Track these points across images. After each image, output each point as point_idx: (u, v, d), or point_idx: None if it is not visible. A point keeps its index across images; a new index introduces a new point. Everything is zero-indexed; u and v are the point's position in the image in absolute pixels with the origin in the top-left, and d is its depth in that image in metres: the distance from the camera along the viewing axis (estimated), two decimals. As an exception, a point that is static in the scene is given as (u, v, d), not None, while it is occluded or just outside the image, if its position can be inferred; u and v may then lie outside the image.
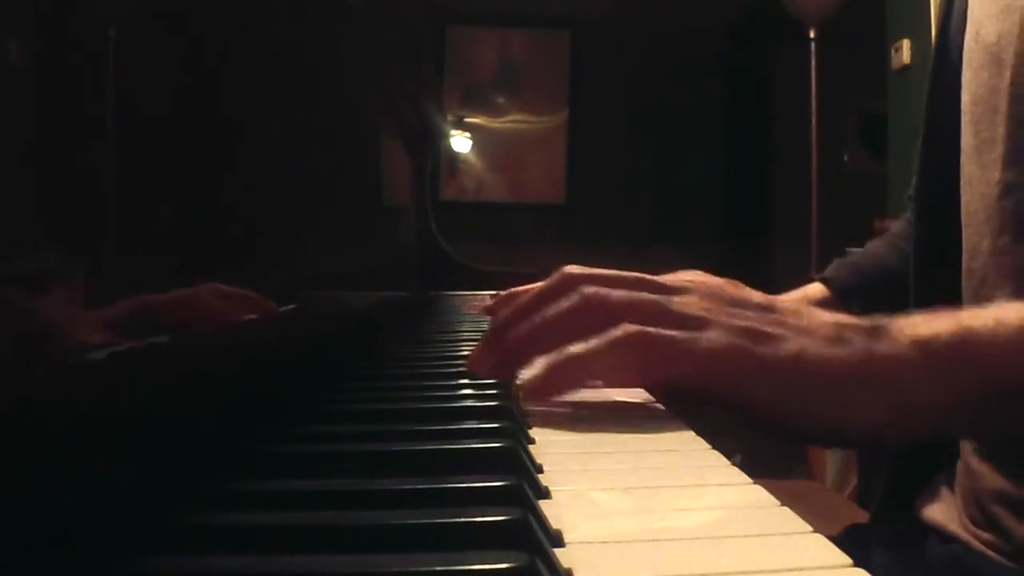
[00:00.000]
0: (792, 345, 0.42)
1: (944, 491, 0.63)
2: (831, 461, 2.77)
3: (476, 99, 4.63)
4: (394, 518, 0.27)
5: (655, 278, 0.48)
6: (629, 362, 0.44)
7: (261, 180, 0.54)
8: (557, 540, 0.27)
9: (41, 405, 0.26)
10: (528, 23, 4.64)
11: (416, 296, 1.15)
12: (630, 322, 0.44)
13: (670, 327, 0.43)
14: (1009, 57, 0.54)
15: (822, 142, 3.02)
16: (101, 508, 0.27)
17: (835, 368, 0.41)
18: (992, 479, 0.56)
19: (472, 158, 4.66)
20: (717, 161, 4.72)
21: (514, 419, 0.42)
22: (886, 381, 0.41)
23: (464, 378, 0.55)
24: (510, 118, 4.68)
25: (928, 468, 0.65)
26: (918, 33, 2.59)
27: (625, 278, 0.48)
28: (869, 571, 0.24)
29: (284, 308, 0.54)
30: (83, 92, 0.32)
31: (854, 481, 2.60)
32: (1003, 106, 0.55)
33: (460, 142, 4.59)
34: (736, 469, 0.36)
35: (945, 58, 0.65)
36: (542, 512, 0.29)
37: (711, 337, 0.42)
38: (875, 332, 0.42)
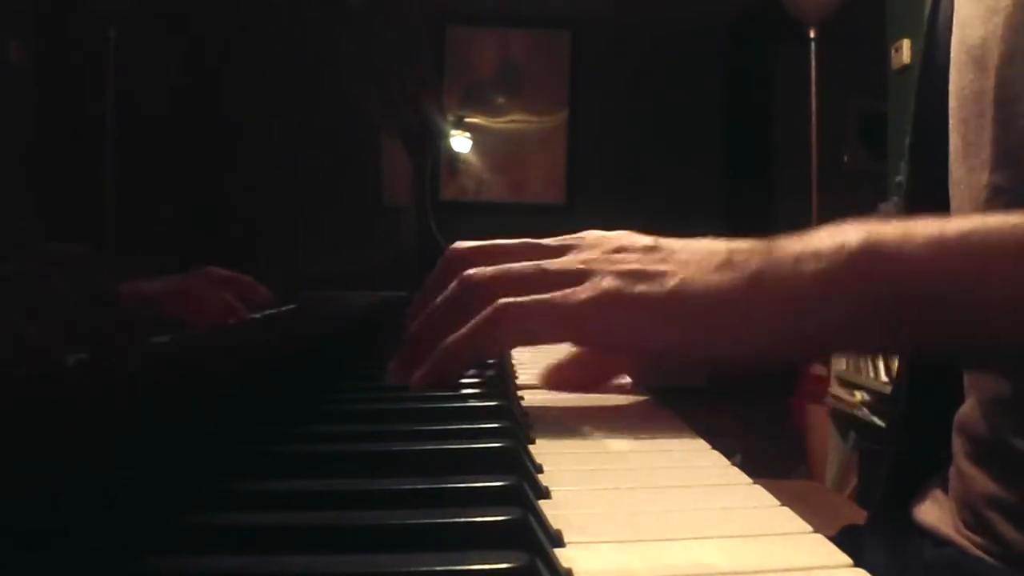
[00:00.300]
0: (674, 279, 0.41)
1: (939, 494, 0.63)
2: (831, 461, 2.77)
3: (476, 99, 4.63)
4: (394, 518, 0.27)
5: (541, 240, 0.48)
6: (505, 336, 0.45)
7: (261, 180, 0.54)
8: (557, 540, 0.27)
9: (41, 405, 0.26)
10: (528, 23, 4.64)
11: (416, 296, 1.15)
12: (506, 294, 0.44)
13: (546, 289, 0.43)
14: (994, 59, 0.54)
15: (822, 142, 3.02)
16: (101, 508, 0.27)
17: (721, 294, 0.40)
18: (983, 483, 0.56)
19: (472, 158, 4.66)
20: (717, 161, 4.73)
21: (514, 419, 0.42)
22: (779, 299, 0.40)
23: (464, 378, 0.55)
24: (510, 118, 4.68)
25: (927, 470, 0.65)
26: (918, 33, 2.58)
27: (507, 247, 0.48)
28: (865, 569, 0.24)
29: (284, 308, 0.54)
30: (83, 92, 0.32)
31: (854, 481, 2.61)
32: (989, 109, 0.55)
33: (460, 142, 4.59)
34: (736, 469, 0.36)
35: (932, 59, 0.64)
36: (542, 512, 0.29)
37: (584, 289, 0.42)
38: (768, 251, 0.41)
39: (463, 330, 0.45)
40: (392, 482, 0.31)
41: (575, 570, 0.25)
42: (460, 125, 4.57)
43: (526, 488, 0.30)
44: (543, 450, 0.39)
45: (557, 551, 0.26)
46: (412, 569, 0.24)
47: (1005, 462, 0.55)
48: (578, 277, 0.44)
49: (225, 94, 0.48)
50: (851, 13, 2.94)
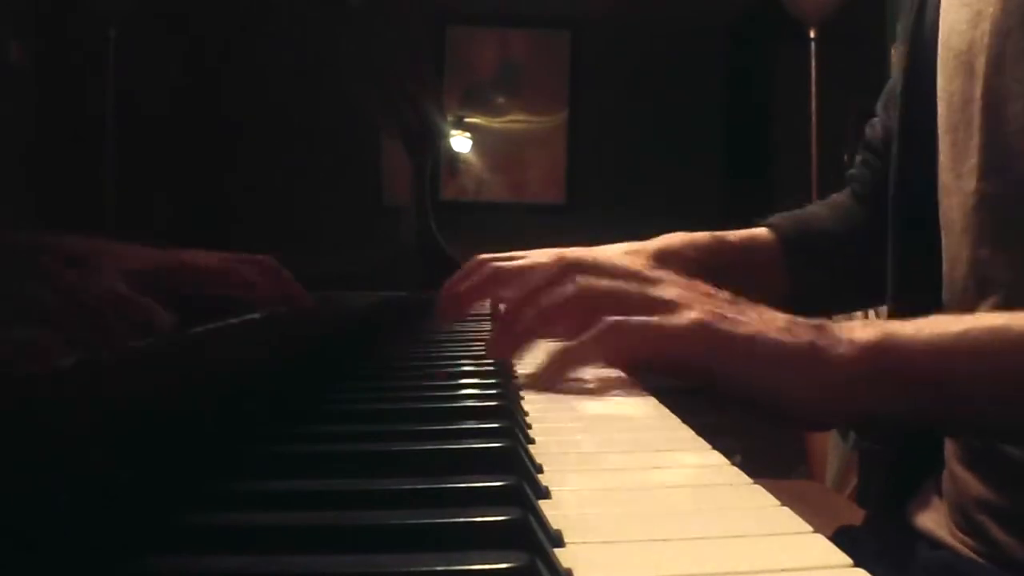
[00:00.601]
0: (751, 328, 0.48)
1: (933, 497, 0.63)
2: (831, 461, 2.77)
3: (476, 99, 4.63)
4: (394, 518, 0.27)
5: (639, 269, 0.56)
6: (614, 348, 0.51)
7: (261, 180, 0.54)
8: (557, 540, 0.27)
9: (41, 405, 0.26)
10: (528, 23, 4.64)
11: (416, 296, 1.15)
12: (615, 311, 0.50)
13: (649, 312, 0.50)
14: (981, 66, 0.55)
15: (822, 142, 3.02)
16: (101, 508, 0.27)
17: (783, 352, 0.48)
18: (975, 487, 0.57)
19: (472, 158, 4.66)
20: (717, 161, 4.72)
21: (514, 419, 0.42)
22: (821, 371, 0.47)
23: (464, 378, 0.55)
24: (510, 118, 4.68)
25: (922, 473, 0.65)
26: (918, 33, 2.58)
27: (614, 268, 0.55)
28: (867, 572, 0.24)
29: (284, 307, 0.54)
30: (83, 92, 0.32)
31: (854, 481, 2.60)
32: (977, 117, 0.56)
33: (460, 142, 4.59)
34: (736, 469, 0.36)
35: (917, 66, 0.65)
36: (542, 512, 0.29)
37: (683, 318, 0.49)
38: (819, 329, 0.48)
39: (584, 338, 0.51)
40: (392, 482, 0.31)
41: (575, 570, 0.25)
42: (460, 125, 4.56)
43: (526, 488, 0.30)
44: (543, 450, 0.39)
45: (557, 551, 0.26)
46: (412, 569, 0.24)
47: (995, 466, 0.55)
48: (673, 307, 0.50)
49: (225, 94, 0.48)
50: (851, 13, 2.94)
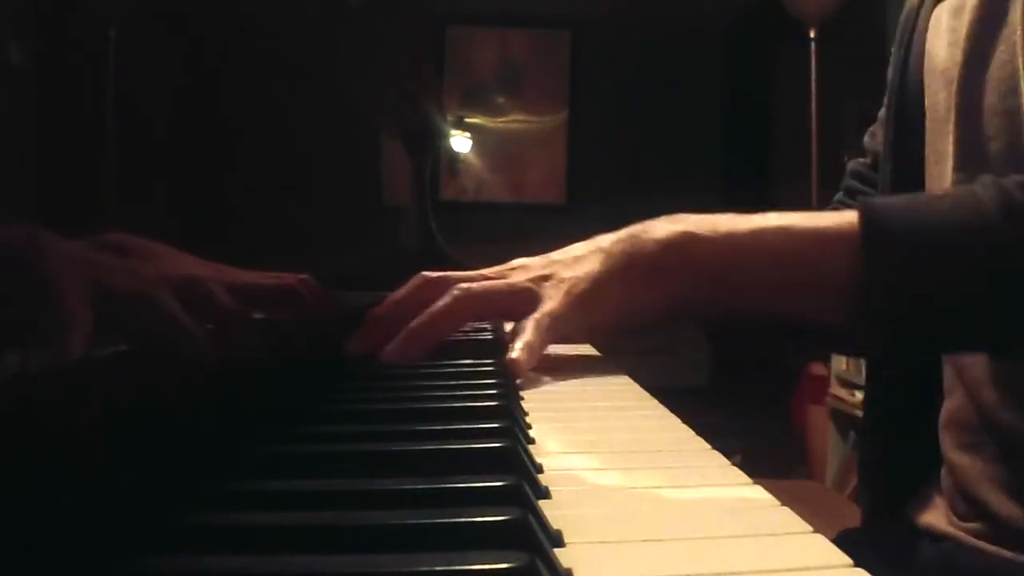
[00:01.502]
0: (587, 278, 0.57)
1: (933, 495, 0.65)
2: (831, 461, 2.77)
3: (476, 99, 4.63)
4: (394, 518, 0.27)
5: (480, 272, 0.64)
6: (461, 311, 0.60)
7: (261, 180, 0.54)
8: (557, 540, 0.27)
9: (41, 405, 0.26)
10: (528, 23, 4.64)
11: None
12: (492, 304, 0.61)
13: (515, 301, 0.59)
14: (955, 82, 0.63)
15: (822, 142, 3.02)
16: (101, 508, 0.27)
17: (610, 274, 0.56)
18: (977, 469, 0.59)
19: (472, 158, 4.66)
20: (717, 161, 4.72)
21: (514, 419, 0.42)
22: (644, 275, 0.55)
23: (464, 378, 0.55)
24: (510, 118, 4.68)
25: (919, 474, 0.67)
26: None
27: (464, 275, 0.64)
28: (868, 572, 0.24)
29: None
30: (83, 92, 0.32)
31: (854, 481, 2.61)
32: (952, 117, 0.63)
33: (460, 142, 4.59)
34: (736, 469, 0.36)
35: (905, 95, 0.72)
36: (542, 512, 0.29)
37: (554, 304, 0.58)
38: (628, 240, 0.57)
39: (436, 308, 0.59)
40: (392, 482, 0.31)
41: (575, 570, 0.25)
42: (460, 125, 4.56)
43: (526, 488, 0.30)
44: (543, 450, 0.39)
45: (557, 551, 0.26)
46: (412, 569, 0.24)
47: (996, 440, 0.58)
48: (536, 291, 0.59)
49: (225, 94, 0.48)
50: (851, 13, 2.94)
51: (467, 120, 4.62)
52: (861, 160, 0.83)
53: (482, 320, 0.67)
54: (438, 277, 0.64)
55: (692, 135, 4.66)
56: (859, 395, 2.59)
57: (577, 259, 0.59)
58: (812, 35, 3.01)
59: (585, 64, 4.67)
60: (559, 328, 0.58)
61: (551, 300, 0.58)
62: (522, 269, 0.62)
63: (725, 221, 0.55)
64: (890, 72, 0.76)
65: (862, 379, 2.57)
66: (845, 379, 2.68)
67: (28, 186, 0.28)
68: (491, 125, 4.68)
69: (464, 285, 0.61)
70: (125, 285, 0.32)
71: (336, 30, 0.76)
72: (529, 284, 0.60)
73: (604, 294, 0.56)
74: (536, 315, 0.58)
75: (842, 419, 2.71)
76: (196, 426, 0.36)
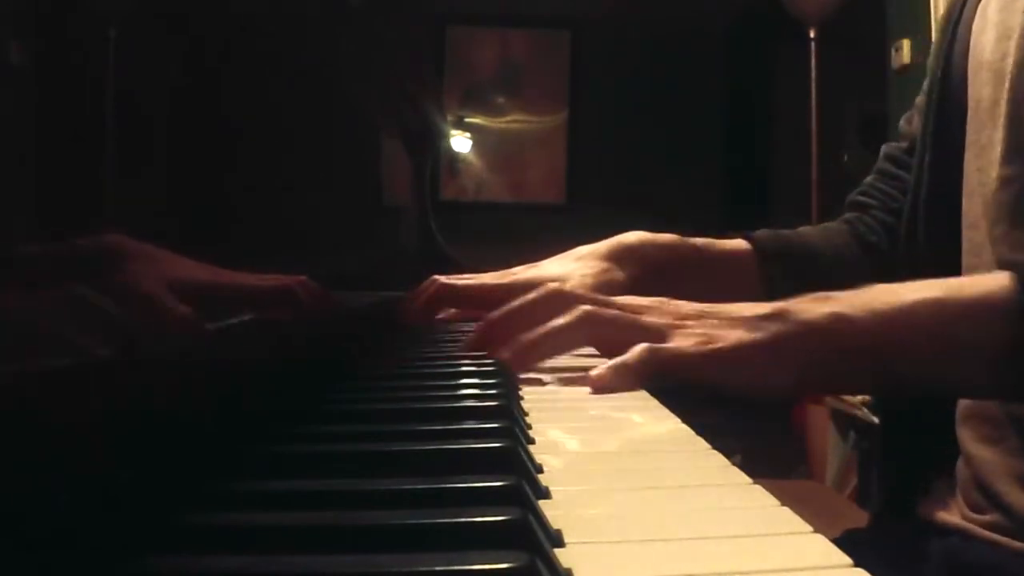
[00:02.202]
0: (730, 341, 0.55)
1: (943, 489, 0.66)
2: (831, 461, 2.77)
3: (476, 99, 4.63)
4: (394, 518, 0.27)
5: (618, 299, 0.62)
6: (645, 372, 0.55)
7: (261, 180, 0.54)
8: (557, 540, 0.27)
9: (41, 405, 0.26)
10: (528, 23, 4.64)
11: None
12: (617, 337, 0.57)
13: (646, 339, 0.56)
14: (1009, 69, 0.62)
15: (822, 142, 3.02)
16: (101, 508, 0.27)
17: (759, 354, 0.55)
18: (995, 461, 0.60)
19: (472, 158, 4.66)
20: (717, 161, 4.72)
21: (514, 419, 0.42)
22: (787, 354, 0.55)
23: (464, 378, 0.55)
24: (510, 118, 4.68)
25: (928, 470, 0.67)
26: (918, 33, 2.58)
27: (595, 298, 0.61)
28: (869, 572, 0.24)
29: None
30: (83, 92, 0.32)
31: (854, 481, 2.60)
32: (1003, 114, 0.62)
33: (460, 142, 4.59)
34: (736, 469, 0.36)
35: (949, 83, 0.71)
36: (542, 512, 0.29)
37: (687, 348, 0.56)
38: (778, 318, 0.55)
39: (622, 360, 0.56)
40: (392, 482, 0.31)
41: (575, 570, 0.25)
42: (460, 125, 4.56)
43: (526, 488, 0.30)
44: (543, 450, 0.39)
45: (557, 551, 0.26)
46: (412, 569, 0.24)
47: (1019, 434, 0.59)
48: (666, 335, 0.57)
49: (225, 94, 0.48)
50: (851, 13, 2.94)
51: (467, 120, 4.62)
52: (896, 144, 0.84)
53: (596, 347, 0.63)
54: (568, 293, 0.63)
55: (692, 135, 4.66)
56: (859, 395, 2.59)
57: (726, 321, 0.57)
58: (812, 35, 3.01)
59: (585, 64, 4.67)
60: (673, 370, 0.56)
61: (680, 343, 0.56)
62: (657, 311, 0.60)
63: (875, 298, 0.55)
64: (930, 62, 0.76)
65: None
66: (845, 379, 2.68)
67: (28, 186, 0.28)
68: (491, 125, 4.68)
69: (590, 308, 0.59)
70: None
71: (336, 30, 0.76)
72: (661, 326, 0.58)
73: (742, 362, 0.55)
74: (657, 347, 0.56)
75: (842, 419, 2.71)
76: (196, 426, 0.36)
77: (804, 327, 0.54)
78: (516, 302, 0.63)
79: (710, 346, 0.55)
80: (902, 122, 0.84)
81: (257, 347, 0.48)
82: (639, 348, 0.56)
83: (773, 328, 0.55)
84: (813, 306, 0.55)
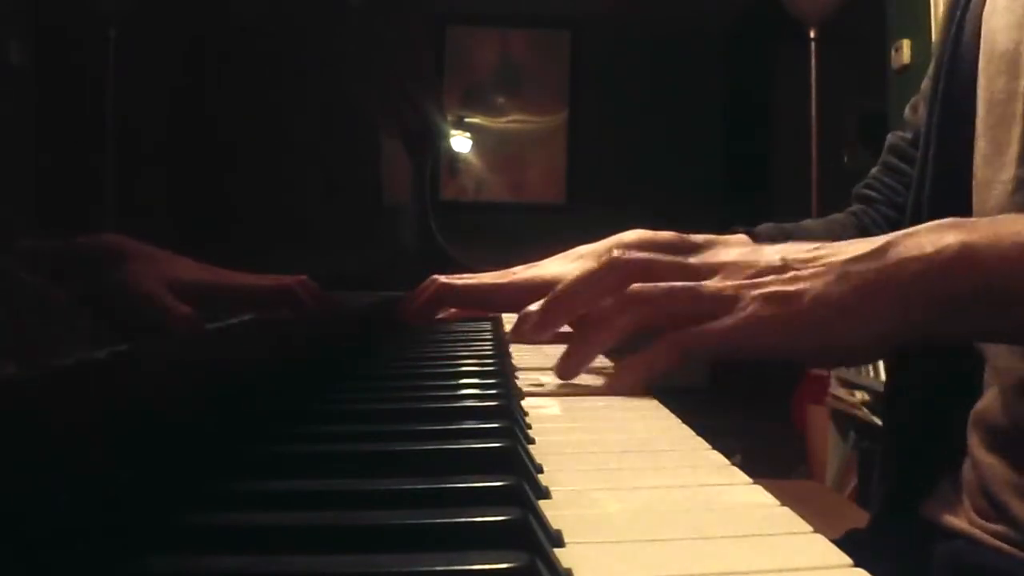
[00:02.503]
0: (805, 297, 0.48)
1: (948, 491, 0.64)
2: (831, 461, 2.77)
3: (476, 99, 4.63)
4: (394, 518, 0.27)
5: (689, 261, 0.54)
6: (667, 361, 0.51)
7: (261, 180, 0.54)
8: (557, 540, 0.27)
9: (41, 405, 0.26)
10: (528, 23, 4.65)
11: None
12: (668, 310, 0.51)
13: (700, 311, 0.50)
14: (1022, 64, 0.58)
15: (822, 142, 3.02)
16: (101, 508, 0.27)
17: (844, 303, 0.47)
18: (1002, 471, 0.57)
19: (472, 158, 4.66)
20: (717, 161, 4.72)
21: (514, 419, 0.42)
22: (889, 301, 0.47)
23: (464, 378, 0.55)
24: (510, 118, 4.69)
25: (930, 470, 0.66)
26: (918, 33, 2.59)
27: (662, 264, 0.54)
28: (870, 572, 0.24)
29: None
30: (83, 92, 0.32)
31: (854, 481, 2.61)
32: (1019, 109, 0.58)
33: (460, 142, 4.59)
34: (736, 469, 0.36)
35: (957, 72, 0.67)
36: (542, 512, 0.29)
37: (736, 317, 0.49)
38: (881, 256, 0.47)
39: (646, 354, 0.52)
40: (392, 482, 0.31)
41: (575, 570, 0.25)
42: (460, 125, 4.57)
43: (526, 488, 0.30)
44: (543, 450, 0.39)
45: (557, 551, 0.26)
46: (412, 569, 0.24)
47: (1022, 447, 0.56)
48: (729, 302, 0.50)
49: (225, 94, 0.48)
50: (851, 13, 2.94)
51: (467, 120, 4.62)
52: (901, 134, 0.80)
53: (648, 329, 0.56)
54: (626, 261, 0.54)
55: (692, 135, 4.66)
56: (859, 395, 2.59)
57: (807, 271, 0.49)
58: (812, 35, 3.01)
59: (585, 64, 4.67)
60: (724, 348, 0.50)
61: (733, 318, 0.50)
62: (732, 268, 0.52)
63: (1003, 223, 0.46)
64: (935, 47, 0.71)
65: (862, 379, 2.57)
66: (845, 379, 2.68)
67: (28, 186, 0.28)
68: (491, 125, 4.68)
69: (637, 287, 0.52)
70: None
71: (336, 30, 0.76)
72: (728, 293, 0.51)
73: (815, 321, 0.48)
74: (682, 334, 0.50)
75: (842, 419, 2.71)
76: (196, 426, 0.36)
77: (920, 262, 0.46)
78: (572, 280, 0.57)
79: (778, 312, 0.48)
80: (907, 110, 0.80)
81: (257, 347, 0.48)
82: (659, 343, 0.51)
83: (872, 270, 0.47)
84: (928, 236, 0.47)
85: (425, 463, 0.34)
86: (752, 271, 0.51)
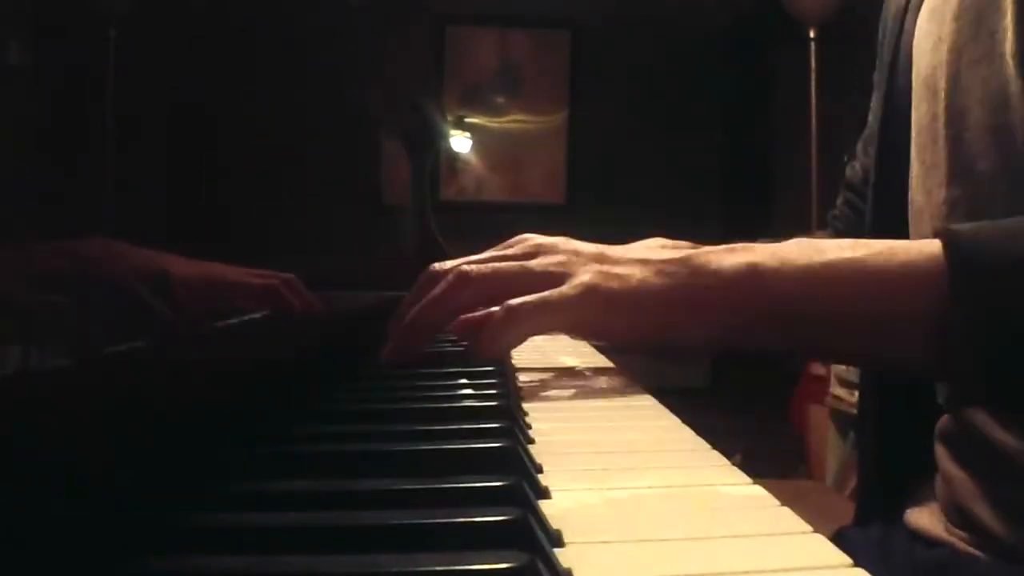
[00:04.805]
0: (633, 282, 0.52)
1: (929, 498, 0.64)
2: (831, 461, 2.77)
3: (476, 99, 4.63)
4: (394, 518, 0.27)
5: (506, 251, 0.59)
6: (515, 330, 0.54)
7: (261, 180, 0.54)
8: (557, 540, 0.27)
9: (41, 405, 0.26)
10: (528, 23, 4.64)
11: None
12: (505, 292, 0.54)
13: (533, 288, 0.53)
14: (942, 84, 0.58)
15: (822, 142, 3.02)
16: (101, 508, 0.27)
17: (664, 294, 0.51)
18: (970, 485, 0.57)
19: (472, 158, 4.66)
20: (717, 161, 4.72)
21: (514, 419, 0.42)
22: (697, 303, 0.51)
23: (464, 378, 0.55)
24: (510, 118, 4.68)
25: (914, 476, 0.65)
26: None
27: (481, 259, 0.59)
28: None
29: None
30: (83, 92, 0.32)
31: (854, 481, 2.60)
32: (941, 131, 0.58)
33: (460, 142, 4.59)
34: (736, 469, 0.36)
35: (894, 104, 0.68)
36: (542, 512, 0.29)
37: (572, 286, 0.52)
38: (689, 263, 0.52)
39: (488, 330, 0.54)
40: (392, 482, 0.31)
41: (575, 570, 0.25)
42: (460, 125, 4.56)
43: (526, 488, 0.30)
44: (543, 450, 0.39)
45: (557, 551, 0.26)
46: (412, 569, 0.24)
47: (991, 460, 0.56)
48: (559, 277, 0.53)
49: (225, 94, 0.48)
50: (851, 13, 2.94)
51: (467, 120, 4.62)
52: (852, 166, 0.81)
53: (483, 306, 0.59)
54: (447, 265, 0.59)
55: (692, 136, 4.66)
56: (859, 395, 2.58)
57: (624, 263, 0.53)
58: (812, 35, 3.01)
59: (585, 64, 4.67)
60: (565, 317, 0.53)
61: (561, 290, 0.53)
62: (551, 250, 0.56)
63: (794, 251, 0.50)
64: (876, 77, 0.72)
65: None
66: (845, 379, 2.68)
67: (28, 186, 0.28)
68: (491, 125, 4.68)
69: (465, 268, 0.56)
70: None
71: (336, 30, 0.76)
72: (553, 270, 0.54)
73: (639, 309, 0.52)
74: (520, 302, 0.53)
75: (842, 419, 2.71)
76: (196, 426, 0.36)
77: (716, 279, 0.50)
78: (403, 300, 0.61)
79: (602, 287, 0.52)
80: (859, 146, 0.80)
81: (257, 347, 0.48)
82: (496, 311, 0.53)
83: (682, 274, 0.51)
84: (727, 256, 0.51)
85: (425, 463, 0.34)
86: (575, 253, 0.55)
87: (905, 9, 0.67)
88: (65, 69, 0.30)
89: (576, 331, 0.55)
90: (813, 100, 3.03)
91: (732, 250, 0.52)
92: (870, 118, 0.75)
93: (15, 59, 0.27)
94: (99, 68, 0.32)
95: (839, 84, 3.28)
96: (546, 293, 0.53)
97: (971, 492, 0.57)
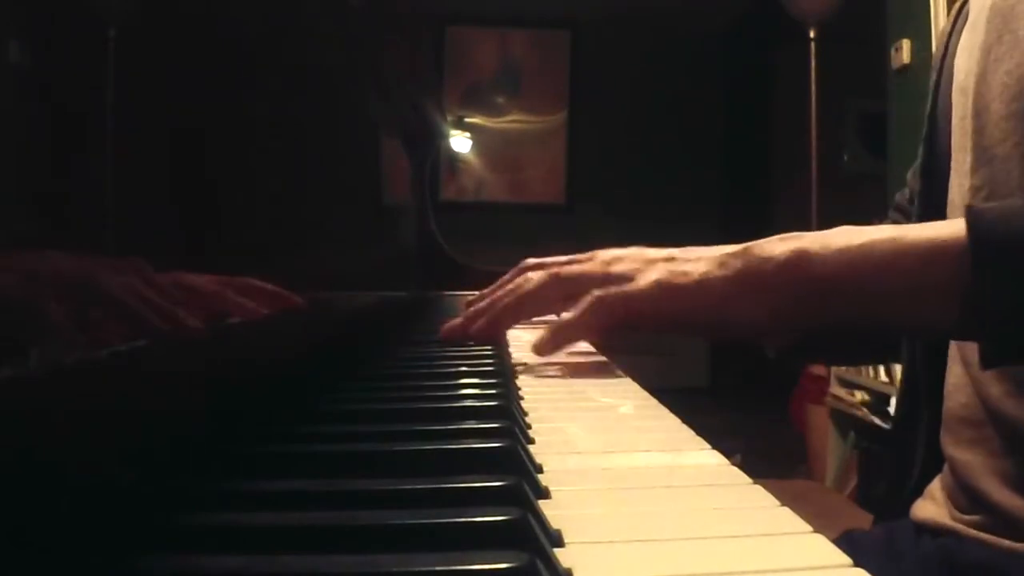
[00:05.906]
0: (696, 275, 0.59)
1: (935, 491, 0.67)
2: (831, 461, 2.77)
3: (476, 99, 4.63)
4: (394, 518, 0.27)
5: (594, 253, 0.66)
6: (599, 317, 0.61)
7: (261, 180, 0.54)
8: (557, 540, 0.27)
9: (41, 405, 0.26)
10: (528, 23, 4.65)
11: (416, 296, 1.15)
12: (583, 291, 0.62)
13: (612, 286, 0.61)
14: (971, 85, 0.64)
15: (822, 142, 3.02)
16: (101, 508, 0.27)
17: (725, 285, 0.57)
18: (977, 463, 0.61)
19: (472, 158, 4.66)
20: (717, 161, 4.73)
21: (514, 419, 0.42)
22: (753, 289, 0.57)
23: (464, 378, 0.55)
24: (510, 118, 4.69)
25: (924, 475, 0.68)
26: (918, 33, 2.59)
27: (572, 258, 0.67)
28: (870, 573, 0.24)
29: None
30: (83, 92, 0.32)
31: (854, 481, 2.61)
32: (969, 126, 0.64)
33: (460, 142, 4.59)
34: (736, 469, 0.36)
35: (936, 120, 0.73)
36: (542, 512, 0.29)
37: (644, 281, 0.60)
38: (745, 254, 0.58)
39: (573, 315, 0.62)
40: (392, 482, 0.31)
41: (575, 570, 0.25)
42: (460, 125, 4.57)
43: (526, 488, 0.30)
44: (543, 450, 0.39)
45: (557, 551, 0.26)
46: (412, 569, 0.24)
47: (1001, 433, 0.60)
48: (632, 277, 0.61)
49: (224, 94, 0.48)
50: (851, 13, 2.94)
51: (467, 120, 4.62)
52: (902, 193, 0.85)
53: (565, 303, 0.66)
54: (533, 262, 0.69)
55: (692, 135, 4.66)
56: (859, 395, 2.59)
57: (690, 260, 0.60)
58: (812, 35, 3.01)
59: (585, 64, 4.67)
60: (641, 306, 0.60)
61: (637, 284, 0.60)
62: (628, 259, 0.63)
63: (838, 236, 0.56)
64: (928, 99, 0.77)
65: (862, 379, 2.57)
66: (845, 379, 2.69)
67: (28, 186, 0.28)
68: (491, 125, 4.68)
69: (554, 270, 0.65)
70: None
71: (336, 30, 0.76)
72: (628, 272, 0.61)
73: (704, 295, 0.58)
74: (606, 291, 0.60)
75: (842, 419, 2.71)
76: (196, 426, 0.36)
77: (767, 263, 0.56)
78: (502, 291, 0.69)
79: (672, 281, 0.59)
80: (909, 174, 0.84)
81: (257, 347, 0.48)
82: (587, 298, 0.61)
83: (738, 264, 0.57)
84: (778, 244, 0.57)
85: (425, 463, 0.34)
86: (646, 259, 0.62)
87: (951, 32, 0.73)
88: (65, 69, 0.30)
89: (652, 321, 0.61)
90: (813, 100, 3.03)
91: (783, 239, 0.57)
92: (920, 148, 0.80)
93: (15, 59, 0.27)
94: (99, 68, 0.32)
95: (839, 84, 3.28)
96: (626, 287, 0.60)
97: (980, 471, 0.60)
